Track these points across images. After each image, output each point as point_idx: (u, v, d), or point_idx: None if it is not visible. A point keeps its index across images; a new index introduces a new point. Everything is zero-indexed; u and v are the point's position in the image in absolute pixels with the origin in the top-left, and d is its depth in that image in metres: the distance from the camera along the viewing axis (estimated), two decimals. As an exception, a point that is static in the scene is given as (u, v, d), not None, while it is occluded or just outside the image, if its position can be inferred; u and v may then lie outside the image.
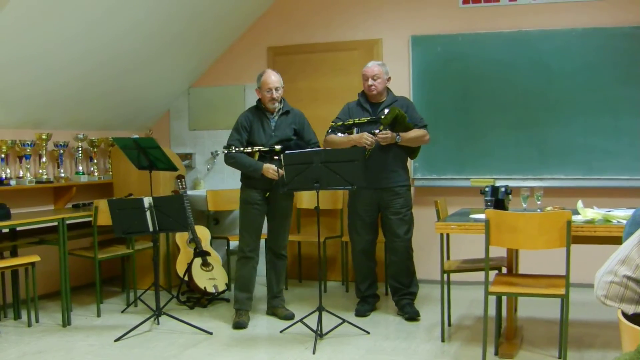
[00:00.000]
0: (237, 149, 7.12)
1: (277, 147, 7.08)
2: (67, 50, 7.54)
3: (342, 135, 7.19)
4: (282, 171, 6.94)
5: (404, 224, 7.25)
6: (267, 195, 7.25)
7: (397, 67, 8.50)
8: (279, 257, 7.47)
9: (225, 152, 7.20)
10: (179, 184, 8.41)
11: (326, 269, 9.04)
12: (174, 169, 7.83)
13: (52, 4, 6.76)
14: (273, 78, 7.18)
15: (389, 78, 7.34)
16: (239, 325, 7.14)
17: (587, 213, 5.72)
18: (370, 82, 7.19)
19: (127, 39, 8.06)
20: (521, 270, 6.53)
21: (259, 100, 7.31)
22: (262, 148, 7.11)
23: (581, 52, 8.17)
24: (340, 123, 7.28)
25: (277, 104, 7.23)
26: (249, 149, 7.12)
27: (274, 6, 9.47)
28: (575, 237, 5.43)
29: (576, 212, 5.77)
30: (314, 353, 6.09)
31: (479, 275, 6.08)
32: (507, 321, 6.17)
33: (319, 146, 7.31)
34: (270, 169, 7.00)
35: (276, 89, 7.16)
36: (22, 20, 6.67)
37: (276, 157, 7.02)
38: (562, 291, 5.37)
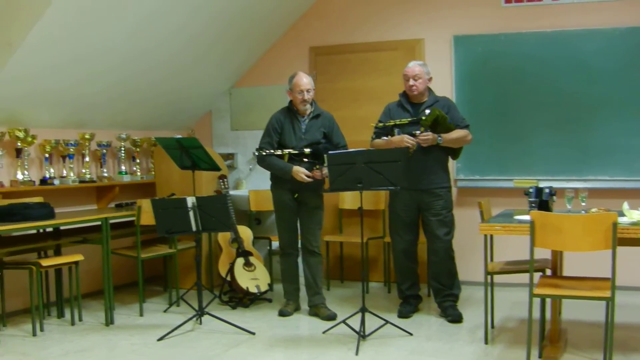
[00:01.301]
0: (267, 151, 7.21)
1: (307, 150, 7.17)
2: (111, 55, 7.62)
3: (386, 138, 7.17)
4: (311, 173, 7.11)
5: (444, 226, 7.22)
6: (295, 196, 7.37)
7: (439, 67, 8.47)
8: (312, 254, 7.52)
9: (257, 154, 7.36)
10: (222, 184, 8.43)
11: (368, 270, 9.01)
12: (217, 169, 7.86)
13: (96, 11, 6.84)
14: (305, 80, 7.27)
15: (430, 78, 7.30)
16: (281, 313, 7.56)
17: (633, 215, 5.66)
18: (411, 82, 7.16)
19: (170, 42, 8.13)
20: (566, 272, 6.48)
21: (290, 102, 7.41)
22: (292, 151, 7.18)
23: (623, 52, 8.09)
24: (381, 125, 7.26)
25: (308, 106, 7.32)
26: (279, 152, 7.20)
27: (315, 6, 9.48)
28: (621, 239, 5.36)
29: (622, 214, 5.71)
30: (356, 354, 6.08)
31: (522, 277, 6.04)
32: (551, 324, 6.10)
33: (347, 148, 7.34)
34: (300, 172, 7.10)
35: (307, 91, 7.26)
36: (67, 27, 6.77)
37: (306, 160, 7.16)
38: (608, 294, 5.31)
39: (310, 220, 7.47)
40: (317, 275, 7.52)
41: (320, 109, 7.51)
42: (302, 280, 7.67)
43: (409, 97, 7.28)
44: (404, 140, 6.95)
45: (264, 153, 7.27)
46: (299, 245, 7.63)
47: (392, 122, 7.19)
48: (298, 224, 7.57)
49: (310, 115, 7.37)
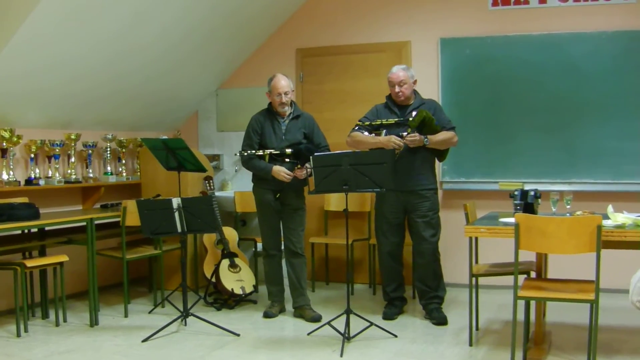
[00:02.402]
0: (249, 152, 7.25)
1: (288, 150, 7.19)
2: (98, 55, 7.62)
3: (369, 134, 7.17)
4: (293, 173, 7.12)
5: (431, 228, 7.22)
6: (277, 196, 7.38)
7: (425, 69, 8.49)
8: (295, 255, 7.51)
9: (238, 155, 7.43)
10: (207, 185, 8.43)
11: (353, 272, 9.01)
12: (202, 170, 7.87)
13: (84, 10, 6.84)
14: (283, 83, 7.28)
15: (415, 81, 7.29)
16: (266, 314, 7.56)
17: (618, 218, 5.69)
18: (397, 88, 7.15)
19: (156, 43, 8.12)
20: (550, 275, 6.49)
21: (270, 104, 7.44)
22: (273, 151, 7.20)
23: (611, 55, 8.11)
24: (367, 123, 7.26)
25: (287, 108, 7.36)
26: (260, 152, 7.22)
27: (302, 8, 9.47)
28: (605, 242, 5.37)
29: (606, 217, 5.73)
30: (341, 356, 6.08)
31: (507, 280, 6.05)
32: (536, 326, 6.12)
33: (329, 149, 7.39)
34: (281, 172, 7.11)
35: (285, 94, 7.28)
36: (54, 27, 6.77)
37: (287, 160, 7.18)
38: (592, 296, 5.32)
39: (293, 221, 7.47)
40: (301, 277, 7.51)
41: (300, 110, 7.54)
42: (286, 281, 7.67)
43: (396, 101, 7.28)
44: (392, 140, 6.95)
45: (245, 154, 7.29)
46: (282, 247, 7.64)
47: (378, 122, 7.19)
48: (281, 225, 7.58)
49: (290, 116, 7.39)
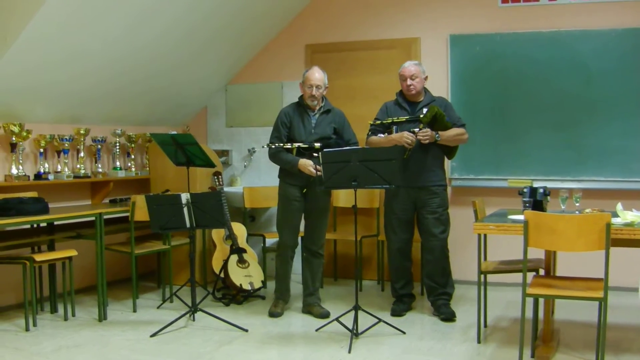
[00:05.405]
0: (276, 145, 7.18)
1: (317, 144, 7.09)
2: (107, 51, 7.62)
3: (383, 135, 7.16)
4: (320, 168, 6.97)
5: (440, 224, 7.22)
6: (304, 191, 7.28)
7: (435, 66, 8.47)
8: (315, 255, 7.48)
9: (265, 147, 7.31)
10: (216, 180, 8.42)
11: (362, 268, 9.01)
12: (212, 165, 7.86)
13: (93, 5, 6.85)
14: (317, 75, 7.21)
15: (426, 77, 7.30)
16: (272, 314, 7.43)
17: (627, 216, 5.66)
18: (408, 82, 7.15)
19: (165, 39, 8.12)
20: (559, 272, 6.48)
21: (301, 97, 7.36)
22: (301, 145, 7.13)
23: (620, 53, 8.09)
24: (378, 122, 7.25)
25: (316, 102, 7.25)
26: (288, 145, 7.15)
27: (312, 4, 9.47)
28: (614, 239, 5.36)
29: (615, 215, 5.72)
30: (349, 352, 6.08)
31: (515, 277, 6.04)
32: (544, 323, 6.10)
33: (358, 146, 7.30)
34: (307, 165, 7.03)
35: (317, 87, 7.19)
36: (63, 22, 6.77)
37: (315, 155, 7.03)
38: (600, 294, 5.31)
39: (318, 220, 7.42)
40: (316, 277, 7.50)
41: (331, 105, 7.43)
42: (297, 278, 7.65)
43: (406, 96, 7.27)
44: (404, 136, 6.95)
45: (273, 147, 7.23)
46: (299, 246, 7.61)
47: (389, 120, 7.18)
48: (302, 224, 7.52)
49: (321, 110, 7.32)
